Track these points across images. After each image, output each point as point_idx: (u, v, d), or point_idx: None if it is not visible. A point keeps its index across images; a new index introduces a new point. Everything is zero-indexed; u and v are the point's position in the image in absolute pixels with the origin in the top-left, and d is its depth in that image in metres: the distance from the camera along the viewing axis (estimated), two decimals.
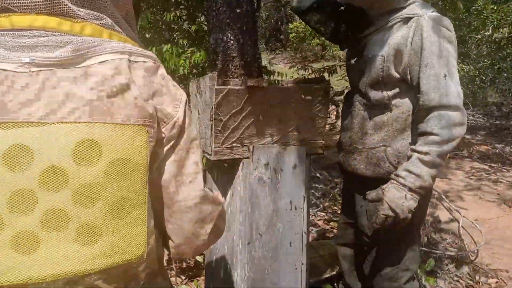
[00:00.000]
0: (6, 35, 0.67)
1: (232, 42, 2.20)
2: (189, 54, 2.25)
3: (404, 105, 1.70)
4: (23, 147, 0.64)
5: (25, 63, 0.66)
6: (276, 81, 2.93)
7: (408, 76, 1.64)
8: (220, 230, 0.93)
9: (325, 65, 5.68)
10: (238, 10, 2.22)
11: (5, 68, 0.65)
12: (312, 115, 1.78)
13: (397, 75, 1.66)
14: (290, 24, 13.24)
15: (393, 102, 1.71)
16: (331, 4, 1.74)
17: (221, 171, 1.86)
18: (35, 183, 0.64)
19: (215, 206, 0.88)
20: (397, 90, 1.69)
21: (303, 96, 1.72)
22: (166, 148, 0.79)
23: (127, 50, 0.75)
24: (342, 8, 1.75)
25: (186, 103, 0.83)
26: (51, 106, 0.66)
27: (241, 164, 1.74)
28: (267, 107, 1.69)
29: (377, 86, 1.72)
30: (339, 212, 3.47)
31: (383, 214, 1.61)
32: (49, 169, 0.65)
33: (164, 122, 0.78)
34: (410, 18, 1.65)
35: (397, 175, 1.63)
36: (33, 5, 0.68)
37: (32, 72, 0.66)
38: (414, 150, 1.63)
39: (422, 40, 1.59)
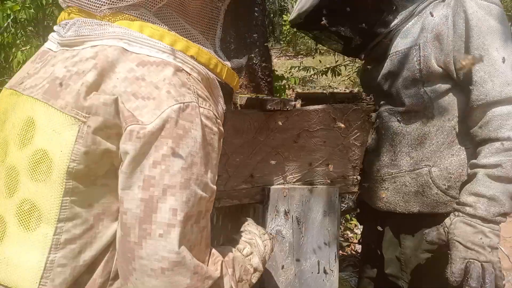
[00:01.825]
0: (61, 25, 0.76)
1: (236, 41, 1.72)
2: None
3: (450, 108, 1.26)
4: (5, 112, 0.73)
5: (57, 42, 0.75)
6: (283, 91, 2.45)
7: (453, 67, 1.21)
8: None
9: (319, 59, 5.21)
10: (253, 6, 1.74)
11: (50, 47, 0.77)
12: (346, 143, 1.33)
13: (439, 69, 1.23)
14: (284, 16, 12.76)
15: (436, 105, 1.27)
16: (339, 4, 1.29)
17: (227, 217, 1.40)
18: None
19: (198, 281, 0.65)
20: (440, 87, 1.25)
21: (335, 120, 1.27)
22: (122, 166, 0.65)
23: (128, 38, 0.69)
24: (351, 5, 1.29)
25: (173, 118, 0.65)
26: (36, 81, 0.71)
27: (251, 212, 1.29)
28: (289, 135, 1.23)
29: (413, 84, 1.28)
30: (350, 235, 3.05)
31: (459, 261, 1.13)
32: (3, 141, 0.71)
33: (123, 129, 0.65)
34: None
35: (462, 203, 1.18)
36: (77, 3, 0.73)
37: (56, 51, 0.74)
38: (477, 165, 1.19)
39: (466, 18, 1.17)
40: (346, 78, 4.80)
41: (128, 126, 0.64)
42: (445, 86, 1.24)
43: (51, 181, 0.66)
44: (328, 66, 4.01)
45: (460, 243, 1.13)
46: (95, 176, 0.67)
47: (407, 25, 1.30)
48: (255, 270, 0.89)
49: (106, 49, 0.69)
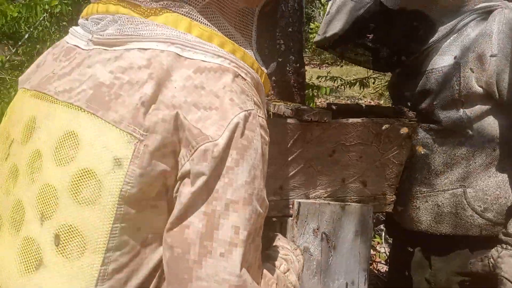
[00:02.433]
0: (90, 19, 0.68)
1: (270, 48, 1.68)
2: None
3: (490, 129, 1.20)
4: (33, 119, 0.63)
5: (88, 40, 0.66)
6: (312, 100, 2.39)
7: (495, 88, 1.14)
8: None
9: (344, 67, 5.09)
10: (282, 6, 1.70)
11: (77, 44, 0.67)
12: (384, 160, 1.25)
13: (480, 89, 1.17)
14: (311, 24, 12.71)
15: (475, 126, 1.20)
16: (371, 21, 1.21)
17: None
18: (22, 162, 0.62)
19: None
20: (480, 109, 1.19)
21: (375, 135, 1.19)
22: (194, 188, 0.57)
23: (180, 42, 0.62)
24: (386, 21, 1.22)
25: (240, 128, 0.59)
26: (71, 85, 0.62)
27: (278, 226, 1.22)
28: (324, 148, 1.16)
29: (451, 105, 1.22)
30: (372, 253, 2.93)
31: None
32: (34, 153, 0.62)
33: (192, 147, 0.58)
34: (491, 11, 1.17)
35: (510, 235, 1.10)
36: None
37: (89, 49, 0.65)
38: None
39: None
40: (374, 91, 4.68)
41: (201, 145, 0.57)
42: (485, 107, 1.18)
43: (101, 206, 0.57)
44: (355, 77, 3.92)
45: (509, 280, 1.04)
46: (147, 200, 0.59)
47: (446, 42, 1.22)
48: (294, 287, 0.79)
49: (159, 55, 0.61)
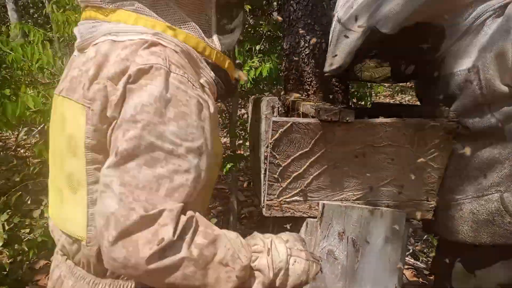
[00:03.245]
0: (79, 25, 0.91)
1: (311, 47, 1.65)
2: (255, 63, 1.74)
3: None
4: (61, 114, 0.90)
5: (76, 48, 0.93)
6: (366, 100, 2.29)
7: None
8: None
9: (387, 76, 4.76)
10: (324, 4, 1.66)
11: (75, 53, 0.94)
12: (420, 164, 1.16)
13: (506, 89, 1.04)
14: None
15: (507, 127, 1.07)
16: (379, 44, 1.12)
17: (281, 228, 1.35)
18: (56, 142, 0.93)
19: (122, 208, 0.72)
20: (509, 109, 1.06)
21: (407, 137, 1.11)
22: (109, 133, 0.81)
23: (115, 31, 0.84)
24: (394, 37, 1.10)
25: (131, 77, 0.78)
26: (64, 84, 0.90)
27: (304, 226, 1.21)
28: (349, 149, 1.12)
29: (477, 109, 1.10)
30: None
31: None
32: (53, 133, 0.95)
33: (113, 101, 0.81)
34: (506, 4, 1.04)
35: None
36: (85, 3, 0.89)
37: (75, 56, 0.93)
38: None
39: None
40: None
41: (111, 96, 0.80)
42: None
43: (79, 156, 0.85)
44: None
45: None
46: (106, 147, 0.83)
47: (461, 44, 1.11)
48: (245, 268, 0.83)
49: (101, 45, 0.84)
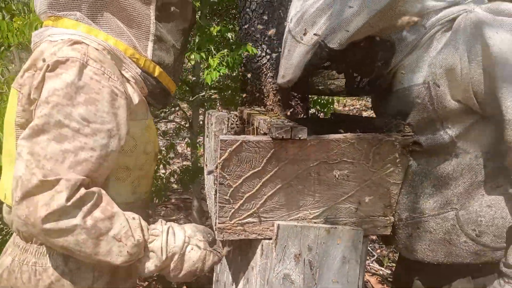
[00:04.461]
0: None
1: (268, 57, 1.60)
2: (215, 63, 1.64)
3: (477, 144, 1.05)
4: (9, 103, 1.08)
5: None
6: (329, 108, 2.26)
7: (474, 100, 0.99)
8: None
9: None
10: (280, 12, 1.62)
11: None
12: (376, 180, 1.12)
13: (457, 105, 1.02)
14: None
15: (459, 143, 1.05)
16: (328, 59, 1.09)
17: (238, 250, 1.27)
18: None
19: (27, 168, 0.86)
20: (462, 125, 1.04)
21: (362, 152, 1.07)
22: (33, 113, 0.95)
23: (54, 33, 1.00)
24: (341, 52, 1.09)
25: (45, 67, 0.93)
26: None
27: (259, 248, 1.14)
28: (303, 167, 1.07)
29: (430, 125, 1.07)
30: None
31: None
32: None
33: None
34: (454, 18, 1.02)
35: (510, 266, 0.95)
36: (42, 14, 1.06)
37: None
38: None
39: (484, 41, 0.93)
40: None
41: (34, 82, 0.94)
42: (468, 122, 1.03)
43: (12, 134, 1.01)
44: None
45: None
46: None
47: (412, 59, 1.08)
48: (138, 245, 0.94)
49: (40, 45, 1.01)
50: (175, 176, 2.52)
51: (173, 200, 3.71)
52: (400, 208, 1.15)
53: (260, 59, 1.57)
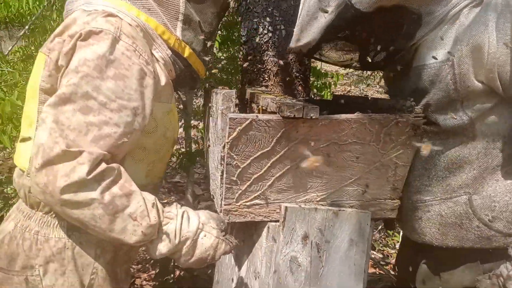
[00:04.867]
0: None
1: (270, 35, 1.55)
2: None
3: (495, 128, 1.03)
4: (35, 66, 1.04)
5: None
6: (326, 91, 2.22)
7: (498, 82, 0.97)
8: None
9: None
10: None
11: None
12: (385, 161, 1.10)
13: (480, 85, 0.99)
14: None
15: (478, 125, 1.04)
16: (344, 26, 1.04)
17: (241, 233, 1.25)
18: None
19: (52, 138, 0.86)
20: (482, 107, 1.02)
21: (373, 133, 1.05)
22: (59, 79, 0.94)
23: (87, 2, 0.99)
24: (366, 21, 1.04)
25: (81, 36, 0.91)
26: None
27: (265, 230, 1.12)
28: (313, 148, 1.03)
29: (449, 104, 1.04)
30: (391, 252, 2.76)
31: None
32: None
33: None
34: None
35: None
36: None
37: None
38: None
39: None
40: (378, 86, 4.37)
41: (64, 48, 0.92)
42: (488, 104, 1.01)
43: (35, 97, 0.98)
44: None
45: None
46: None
47: (436, 34, 1.04)
48: (153, 226, 0.92)
49: (74, 13, 0.99)
50: (174, 159, 2.46)
51: (163, 184, 3.66)
52: (411, 191, 1.14)
53: (262, 37, 1.52)
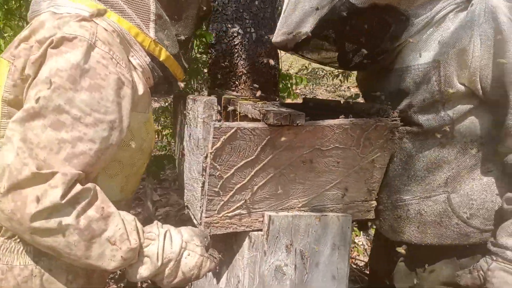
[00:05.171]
0: None
1: (240, 38, 1.51)
2: None
3: (473, 129, 1.09)
4: None
5: None
6: (289, 92, 2.23)
7: (479, 85, 1.02)
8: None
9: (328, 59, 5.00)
10: None
11: None
12: (364, 165, 1.12)
13: (462, 87, 1.04)
14: None
15: (457, 126, 1.09)
16: (344, 17, 1.05)
17: (218, 245, 1.20)
18: None
19: (19, 157, 0.77)
20: (463, 108, 1.07)
21: (354, 138, 1.06)
22: (25, 91, 0.85)
23: (57, 4, 0.90)
24: (354, 19, 1.06)
25: (51, 43, 0.82)
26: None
27: (246, 240, 1.08)
28: (297, 154, 1.02)
29: (431, 107, 1.09)
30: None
31: None
32: None
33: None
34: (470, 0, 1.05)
35: (502, 246, 1.01)
36: None
37: None
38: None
39: (498, 27, 0.97)
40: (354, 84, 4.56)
41: (32, 55, 0.83)
42: (468, 106, 1.06)
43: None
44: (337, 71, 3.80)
45: None
46: (22, 103, 0.84)
47: (423, 37, 1.08)
48: (133, 250, 0.85)
49: (41, 15, 0.90)
50: None
51: None
52: (391, 190, 1.17)
53: (232, 40, 1.48)
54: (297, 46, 1.10)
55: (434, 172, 1.10)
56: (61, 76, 0.78)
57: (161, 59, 0.99)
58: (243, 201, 1.03)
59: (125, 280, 2.04)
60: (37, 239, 0.77)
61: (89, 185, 0.81)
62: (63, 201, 0.75)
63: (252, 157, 0.97)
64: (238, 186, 1.00)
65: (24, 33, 0.88)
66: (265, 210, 1.06)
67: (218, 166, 0.95)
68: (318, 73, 3.38)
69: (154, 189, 3.33)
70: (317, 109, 1.39)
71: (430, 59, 1.05)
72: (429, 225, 1.12)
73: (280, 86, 2.24)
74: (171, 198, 3.33)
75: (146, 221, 0.97)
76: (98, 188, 0.84)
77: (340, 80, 3.60)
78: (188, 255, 0.93)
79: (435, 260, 1.14)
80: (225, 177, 0.97)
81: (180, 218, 2.94)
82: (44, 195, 0.74)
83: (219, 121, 0.94)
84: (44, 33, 0.84)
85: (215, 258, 0.99)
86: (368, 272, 2.23)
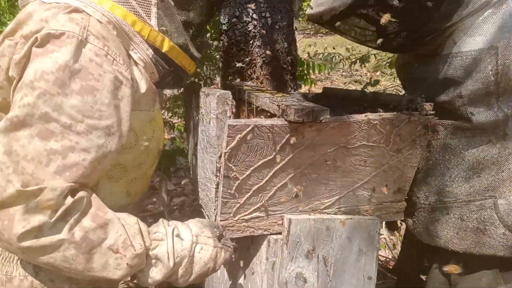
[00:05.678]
0: None
1: (255, 23, 1.41)
2: None
3: None
4: None
5: None
6: (307, 80, 2.12)
7: None
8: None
9: (347, 47, 4.79)
10: None
11: None
12: (393, 163, 1.01)
13: None
14: None
15: (510, 124, 0.97)
16: None
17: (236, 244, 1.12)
18: None
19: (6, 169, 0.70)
20: None
21: (383, 134, 0.95)
22: (12, 94, 0.77)
23: None
24: None
25: (37, 40, 0.73)
26: None
27: (264, 244, 1.01)
28: (318, 153, 0.92)
29: (484, 100, 0.96)
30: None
31: None
32: None
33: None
34: None
35: None
36: None
37: None
38: None
39: None
40: (375, 65, 4.36)
41: (15, 54, 0.75)
42: None
43: None
44: (354, 53, 3.63)
45: None
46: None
47: (479, 19, 0.95)
48: (139, 256, 0.79)
49: (29, 5, 0.80)
50: None
51: None
52: (429, 190, 1.06)
53: (246, 25, 1.37)
54: (331, 20, 0.98)
55: (480, 174, 0.99)
56: (47, 80, 0.70)
57: (163, 50, 0.88)
58: (260, 203, 0.95)
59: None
60: (31, 257, 0.72)
61: (81, 193, 0.74)
62: (52, 220, 0.69)
63: (270, 157, 0.88)
64: (255, 187, 0.91)
65: (10, 26, 0.78)
66: (284, 213, 0.98)
67: (233, 167, 0.86)
68: (334, 58, 3.22)
69: (169, 178, 3.29)
70: (338, 100, 1.28)
71: (487, 45, 0.92)
72: (471, 232, 1.01)
73: (299, 73, 2.13)
74: (186, 187, 3.29)
75: (160, 215, 0.90)
76: (92, 194, 0.77)
77: (358, 66, 3.44)
78: (201, 249, 0.87)
79: (473, 269, 1.03)
80: (241, 178, 0.88)
81: (195, 208, 2.90)
82: (32, 213, 0.68)
83: (234, 117, 0.86)
84: (30, 27, 0.75)
85: (229, 247, 0.92)
86: (391, 268, 2.14)
